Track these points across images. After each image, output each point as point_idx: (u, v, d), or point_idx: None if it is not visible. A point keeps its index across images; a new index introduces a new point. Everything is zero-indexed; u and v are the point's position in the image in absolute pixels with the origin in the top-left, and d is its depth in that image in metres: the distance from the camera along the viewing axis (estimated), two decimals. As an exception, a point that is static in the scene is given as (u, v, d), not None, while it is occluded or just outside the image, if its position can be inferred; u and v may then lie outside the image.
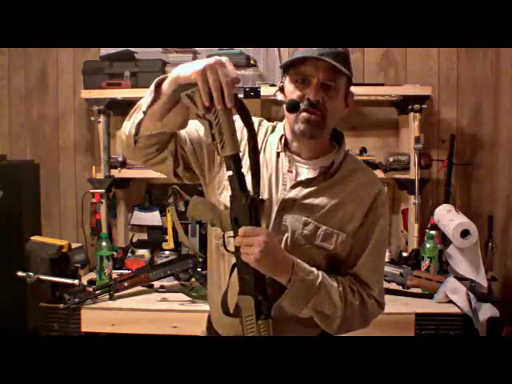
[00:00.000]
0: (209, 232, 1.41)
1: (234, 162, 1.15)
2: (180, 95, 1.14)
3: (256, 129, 1.33)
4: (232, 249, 1.21)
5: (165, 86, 1.18)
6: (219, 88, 1.09)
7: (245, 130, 1.22)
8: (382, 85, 2.65)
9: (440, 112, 2.78)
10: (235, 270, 1.22)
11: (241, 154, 1.20)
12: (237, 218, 1.17)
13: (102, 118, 2.61)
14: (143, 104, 1.22)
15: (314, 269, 1.26)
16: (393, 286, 2.18)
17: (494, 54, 2.73)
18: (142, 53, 2.65)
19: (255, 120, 1.38)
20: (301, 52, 1.28)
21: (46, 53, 2.91)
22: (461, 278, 2.19)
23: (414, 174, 2.53)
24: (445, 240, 2.49)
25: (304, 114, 1.27)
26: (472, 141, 2.78)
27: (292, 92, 1.29)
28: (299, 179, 1.32)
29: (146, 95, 1.22)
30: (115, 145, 2.80)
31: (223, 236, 1.24)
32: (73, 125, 2.94)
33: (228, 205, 1.21)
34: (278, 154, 1.35)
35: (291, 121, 1.30)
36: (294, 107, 1.26)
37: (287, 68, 1.31)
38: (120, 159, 2.70)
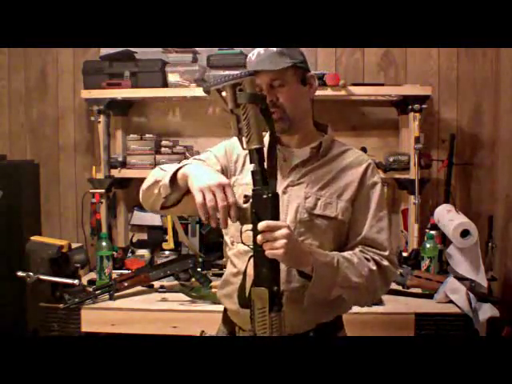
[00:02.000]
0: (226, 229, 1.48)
1: (258, 155, 1.21)
2: (210, 90, 1.20)
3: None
4: (249, 242, 1.24)
5: (180, 180, 1.31)
6: (215, 209, 1.20)
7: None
8: (382, 85, 2.65)
9: (440, 112, 2.78)
10: (249, 262, 1.25)
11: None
12: (257, 211, 1.21)
13: (102, 118, 2.61)
14: (162, 189, 1.34)
15: (327, 252, 1.34)
16: (393, 286, 2.18)
17: (494, 54, 2.73)
18: (142, 53, 2.65)
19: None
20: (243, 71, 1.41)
21: (45, 53, 2.91)
22: (461, 278, 2.19)
23: (414, 173, 2.53)
24: (445, 240, 2.49)
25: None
26: (472, 141, 2.78)
27: None
28: (294, 164, 1.45)
29: (163, 178, 1.34)
30: (115, 145, 2.81)
31: (240, 230, 1.27)
32: (73, 125, 2.94)
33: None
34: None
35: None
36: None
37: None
38: (120, 159, 2.70)
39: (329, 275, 1.30)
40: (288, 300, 1.29)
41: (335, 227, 1.42)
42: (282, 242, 1.19)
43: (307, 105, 1.50)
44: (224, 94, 1.24)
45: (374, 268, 1.37)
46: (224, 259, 1.60)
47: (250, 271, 1.25)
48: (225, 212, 1.19)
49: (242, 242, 1.26)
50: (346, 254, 1.37)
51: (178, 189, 1.33)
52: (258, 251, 1.21)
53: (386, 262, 1.40)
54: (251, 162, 1.22)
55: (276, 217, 1.21)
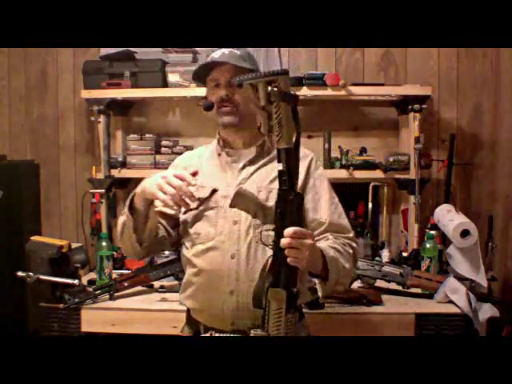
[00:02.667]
0: (185, 236, 1.60)
1: (287, 155, 1.22)
2: (243, 83, 1.21)
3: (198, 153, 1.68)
4: (267, 241, 1.27)
5: (137, 204, 1.46)
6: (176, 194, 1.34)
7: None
8: (382, 85, 2.65)
9: (440, 112, 2.78)
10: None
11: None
12: (282, 212, 1.22)
13: (102, 118, 2.60)
14: (127, 226, 1.49)
15: (320, 245, 1.38)
16: (393, 286, 2.18)
17: (493, 54, 2.72)
18: (142, 53, 2.65)
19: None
20: (209, 60, 1.56)
21: (45, 53, 2.91)
22: (461, 278, 2.19)
23: (414, 174, 2.53)
24: (445, 240, 2.49)
25: (222, 109, 1.54)
26: (472, 141, 2.78)
27: (211, 95, 1.57)
28: (243, 163, 1.55)
29: (122, 218, 1.51)
30: (115, 145, 2.81)
31: (261, 228, 1.30)
32: (73, 125, 2.94)
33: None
34: (219, 155, 1.61)
35: (218, 120, 1.58)
36: (208, 106, 1.55)
37: (204, 81, 1.59)
38: (120, 159, 2.70)
39: (335, 269, 1.38)
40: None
41: None
42: (306, 253, 1.22)
43: (255, 109, 1.56)
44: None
45: (351, 251, 1.49)
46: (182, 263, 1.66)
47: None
48: (183, 192, 1.32)
49: (262, 242, 1.28)
50: (330, 242, 1.45)
51: (140, 212, 1.46)
52: (279, 252, 1.21)
53: (354, 244, 1.53)
54: (279, 162, 1.23)
55: (300, 218, 1.24)
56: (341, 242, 1.48)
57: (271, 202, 1.43)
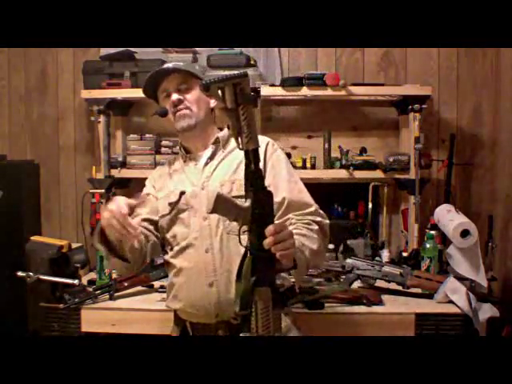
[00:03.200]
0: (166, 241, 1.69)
1: (255, 156, 1.23)
2: (211, 87, 1.21)
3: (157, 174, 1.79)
4: (243, 243, 1.26)
5: (108, 234, 1.44)
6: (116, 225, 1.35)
7: None
8: (382, 85, 2.65)
9: (440, 112, 2.78)
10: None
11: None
12: (260, 213, 1.22)
13: (102, 118, 2.60)
14: (108, 257, 1.52)
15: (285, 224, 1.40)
16: (393, 286, 2.18)
17: (493, 54, 2.72)
18: (142, 53, 2.65)
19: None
20: (157, 71, 1.69)
21: (45, 53, 2.91)
22: (461, 278, 2.19)
23: (413, 173, 2.53)
24: (445, 240, 2.48)
25: (176, 114, 1.63)
26: (472, 141, 2.78)
27: (164, 104, 1.67)
28: (203, 163, 1.66)
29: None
30: (115, 145, 2.81)
31: (239, 231, 1.28)
32: (73, 125, 2.94)
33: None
34: (184, 161, 1.71)
35: (175, 126, 1.65)
36: (162, 113, 1.66)
37: (155, 94, 1.71)
38: (120, 159, 2.70)
39: (302, 257, 1.38)
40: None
41: None
42: (291, 241, 1.24)
43: (208, 110, 1.69)
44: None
45: (316, 227, 1.50)
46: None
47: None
48: (121, 224, 1.34)
49: (240, 243, 1.27)
50: (293, 228, 1.43)
51: (111, 243, 1.48)
52: (257, 252, 1.21)
53: (318, 218, 1.54)
54: (248, 163, 1.23)
55: (272, 214, 1.25)
56: (305, 223, 1.49)
57: (236, 193, 1.51)
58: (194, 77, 1.65)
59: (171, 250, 1.64)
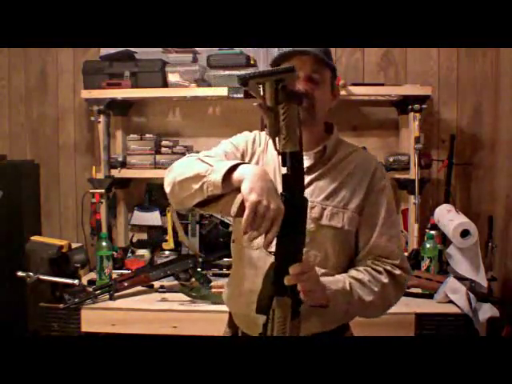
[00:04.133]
0: (235, 233, 1.47)
1: (294, 158, 1.13)
2: (249, 82, 1.11)
3: (258, 139, 1.48)
4: (271, 249, 1.16)
5: (235, 180, 1.18)
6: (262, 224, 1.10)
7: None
8: (382, 85, 2.65)
9: (440, 112, 2.78)
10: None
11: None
12: (290, 220, 1.12)
13: (102, 118, 2.61)
14: (207, 187, 1.21)
15: (337, 276, 1.33)
16: (393, 285, 2.18)
17: (493, 54, 2.72)
18: (142, 53, 2.65)
19: (253, 133, 1.52)
20: (287, 49, 1.37)
21: (45, 53, 2.91)
22: (461, 278, 2.19)
23: (414, 173, 2.53)
24: (445, 240, 2.49)
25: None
26: (472, 141, 2.78)
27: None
28: None
29: (209, 174, 1.21)
30: (115, 145, 2.81)
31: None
32: (73, 125, 2.94)
33: None
34: (278, 153, 1.35)
35: None
36: (300, 99, 1.28)
37: (276, 65, 1.38)
38: (120, 159, 2.70)
39: (343, 301, 1.31)
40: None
41: (341, 237, 1.39)
42: (313, 285, 1.22)
43: (327, 111, 1.46)
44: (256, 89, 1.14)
45: (387, 281, 1.37)
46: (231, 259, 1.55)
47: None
48: (272, 229, 1.11)
49: (266, 249, 1.16)
50: (356, 273, 1.36)
51: (228, 189, 1.21)
52: (281, 260, 1.16)
53: (398, 271, 1.39)
54: (283, 165, 1.14)
55: (304, 224, 1.15)
56: (375, 269, 1.38)
57: (325, 221, 1.37)
58: (329, 68, 1.41)
59: (241, 246, 1.44)
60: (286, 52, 1.37)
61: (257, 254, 1.38)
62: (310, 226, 1.33)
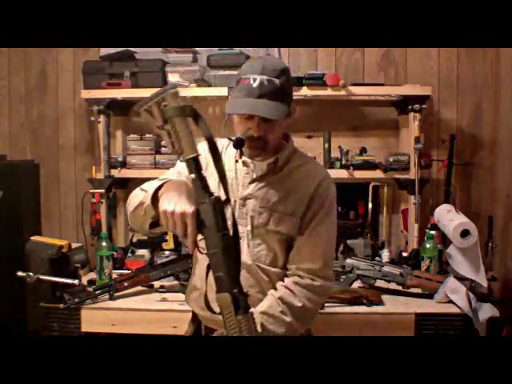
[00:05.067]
0: None
1: (194, 164, 1.22)
2: (141, 114, 1.22)
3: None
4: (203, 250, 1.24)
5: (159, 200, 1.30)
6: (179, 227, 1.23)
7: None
8: (382, 85, 2.65)
9: (440, 112, 2.78)
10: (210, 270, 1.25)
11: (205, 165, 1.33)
12: (203, 219, 1.22)
13: (102, 118, 2.61)
14: (147, 210, 1.37)
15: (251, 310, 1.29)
16: (393, 286, 2.19)
17: (493, 54, 2.73)
18: (142, 53, 2.65)
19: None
20: (240, 101, 1.42)
21: (45, 53, 2.91)
22: (461, 278, 2.19)
23: (414, 173, 2.53)
24: (445, 240, 2.49)
25: (250, 146, 1.47)
26: (472, 141, 2.78)
27: (238, 124, 1.47)
28: (253, 177, 1.52)
29: (141, 196, 1.39)
30: (115, 145, 2.81)
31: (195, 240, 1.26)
32: (73, 125, 2.94)
33: None
34: (236, 161, 1.55)
35: (245, 149, 1.50)
36: (239, 144, 1.45)
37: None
38: (120, 159, 2.70)
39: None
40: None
41: (288, 241, 1.50)
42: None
43: (283, 129, 1.54)
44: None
45: (303, 302, 1.44)
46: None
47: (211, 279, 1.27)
48: (184, 240, 1.23)
49: (199, 251, 1.25)
50: (268, 307, 1.43)
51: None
52: (212, 257, 1.21)
53: (317, 282, 1.47)
54: (190, 173, 1.23)
55: (222, 221, 1.21)
56: (289, 293, 1.45)
57: (271, 227, 1.48)
58: (283, 100, 1.44)
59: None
60: (238, 110, 1.43)
61: (199, 255, 1.43)
62: (259, 230, 1.48)
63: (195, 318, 1.65)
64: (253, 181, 1.52)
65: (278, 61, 1.59)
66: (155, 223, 1.40)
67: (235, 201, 1.51)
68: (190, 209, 1.22)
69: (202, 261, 1.49)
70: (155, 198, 1.33)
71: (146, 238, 2.80)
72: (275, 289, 1.49)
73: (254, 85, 1.39)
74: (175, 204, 1.23)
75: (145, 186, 1.45)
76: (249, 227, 1.49)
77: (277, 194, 1.49)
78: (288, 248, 1.51)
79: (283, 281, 1.49)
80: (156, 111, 1.21)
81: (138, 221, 1.45)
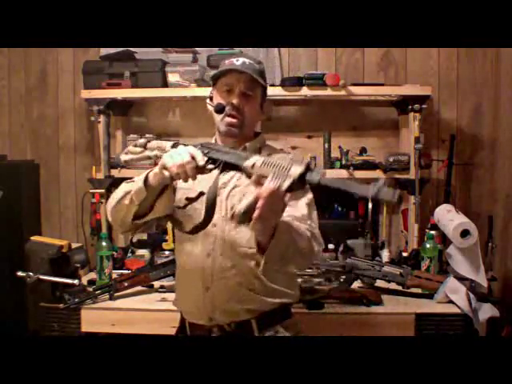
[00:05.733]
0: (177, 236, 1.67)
1: None
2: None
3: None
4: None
5: (152, 179, 1.44)
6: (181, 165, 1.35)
7: None
8: (382, 85, 2.65)
9: (440, 112, 2.78)
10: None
11: None
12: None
13: (102, 118, 2.60)
14: (135, 197, 1.46)
15: None
16: (393, 286, 2.18)
17: (493, 54, 2.72)
18: (142, 53, 2.65)
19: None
20: (226, 65, 1.56)
21: (45, 53, 2.91)
22: (461, 278, 2.18)
23: (413, 174, 2.53)
24: (445, 240, 2.48)
25: (227, 119, 1.56)
26: (472, 141, 2.78)
27: (220, 98, 1.58)
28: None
29: (133, 187, 1.48)
30: (115, 145, 2.81)
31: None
32: (73, 125, 2.94)
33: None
34: None
35: (218, 123, 1.60)
36: (220, 109, 1.56)
37: (215, 81, 1.60)
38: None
39: (285, 230, 1.34)
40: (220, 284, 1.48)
41: None
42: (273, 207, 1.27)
43: (257, 123, 1.71)
44: None
45: (308, 233, 1.45)
46: None
47: None
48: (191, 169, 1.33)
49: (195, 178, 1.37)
50: (290, 220, 1.43)
51: (152, 189, 1.44)
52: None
53: (315, 230, 1.50)
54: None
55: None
56: (302, 225, 1.46)
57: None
58: (260, 85, 1.59)
59: (176, 241, 1.65)
60: (223, 70, 1.55)
61: (194, 254, 1.54)
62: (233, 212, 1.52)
63: (182, 318, 1.65)
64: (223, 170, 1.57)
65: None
66: (137, 216, 1.49)
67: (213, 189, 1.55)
68: (189, 149, 1.36)
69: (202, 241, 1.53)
70: (147, 182, 1.44)
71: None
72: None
73: (237, 63, 1.54)
74: (174, 151, 1.36)
75: (123, 183, 1.58)
76: (223, 213, 1.53)
77: (246, 181, 1.51)
78: None
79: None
80: None
81: (120, 214, 1.52)
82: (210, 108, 1.62)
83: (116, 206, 1.53)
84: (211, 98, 1.63)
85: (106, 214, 1.60)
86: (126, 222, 1.53)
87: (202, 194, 1.53)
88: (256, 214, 1.21)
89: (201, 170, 1.37)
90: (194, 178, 1.37)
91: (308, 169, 1.20)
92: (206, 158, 1.39)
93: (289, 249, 1.36)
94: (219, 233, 1.54)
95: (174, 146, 1.46)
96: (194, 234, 1.49)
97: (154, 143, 1.56)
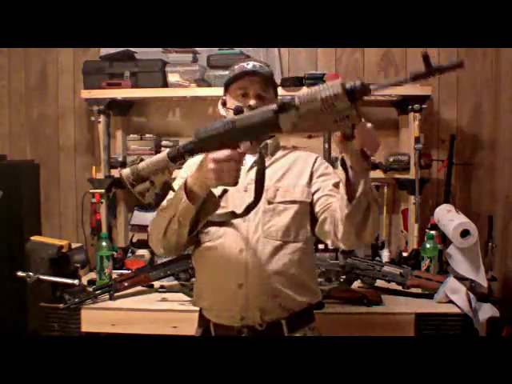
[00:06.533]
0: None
1: None
2: None
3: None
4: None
5: (197, 189, 1.34)
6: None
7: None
8: (382, 85, 2.65)
9: (440, 112, 2.78)
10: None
11: None
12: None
13: (102, 118, 2.61)
14: (182, 218, 1.37)
15: None
16: (393, 285, 2.18)
17: (493, 54, 2.72)
18: (142, 53, 2.65)
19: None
20: (238, 70, 1.58)
21: (45, 53, 2.91)
22: (461, 278, 2.19)
23: (413, 174, 2.53)
24: (445, 240, 2.48)
25: None
26: (472, 141, 2.78)
27: (235, 103, 1.54)
28: (249, 166, 1.59)
29: (177, 210, 1.37)
30: (115, 145, 2.81)
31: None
32: (73, 125, 2.94)
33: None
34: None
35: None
36: (239, 112, 1.47)
37: (228, 86, 1.61)
38: (120, 159, 2.70)
39: (370, 189, 1.32)
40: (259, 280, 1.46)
41: (297, 208, 1.55)
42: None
43: None
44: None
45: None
46: None
47: None
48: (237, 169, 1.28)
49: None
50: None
51: (196, 200, 1.35)
52: None
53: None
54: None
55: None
56: None
57: (279, 199, 1.54)
58: (273, 86, 1.62)
59: (199, 245, 1.56)
60: (237, 74, 1.56)
61: (223, 252, 1.51)
62: (266, 205, 1.52)
63: (203, 320, 1.60)
64: (250, 168, 1.58)
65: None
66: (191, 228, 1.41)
67: (239, 191, 1.53)
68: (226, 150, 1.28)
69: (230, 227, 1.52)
70: (189, 196, 1.34)
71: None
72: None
73: (248, 66, 1.56)
74: (212, 159, 1.26)
75: (161, 207, 1.44)
76: (255, 209, 1.46)
77: (276, 173, 1.58)
78: (298, 219, 1.54)
79: (296, 254, 1.52)
80: None
81: (172, 239, 1.44)
82: (224, 113, 1.63)
83: (164, 237, 1.45)
84: (224, 104, 1.64)
85: (152, 248, 1.53)
86: (179, 245, 1.47)
87: (225, 191, 1.47)
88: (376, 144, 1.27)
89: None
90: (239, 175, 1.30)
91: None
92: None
93: (372, 205, 1.31)
94: (252, 228, 1.52)
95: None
96: (244, 217, 1.45)
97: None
